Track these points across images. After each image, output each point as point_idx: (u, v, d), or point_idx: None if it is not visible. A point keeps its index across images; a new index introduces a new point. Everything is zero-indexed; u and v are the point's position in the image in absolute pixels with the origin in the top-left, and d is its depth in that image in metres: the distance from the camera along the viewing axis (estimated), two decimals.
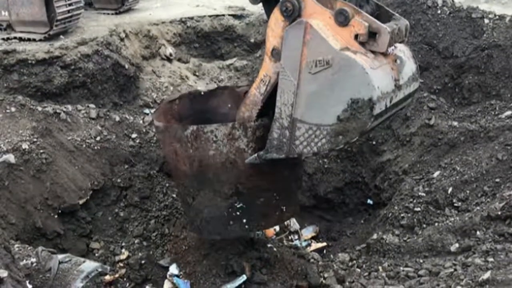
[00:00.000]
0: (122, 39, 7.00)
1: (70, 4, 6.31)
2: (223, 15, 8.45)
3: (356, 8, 3.52)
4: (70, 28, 6.59)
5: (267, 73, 4.09)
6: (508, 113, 5.12)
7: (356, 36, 3.48)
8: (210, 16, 8.36)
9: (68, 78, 5.94)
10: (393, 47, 3.59)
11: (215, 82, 8.00)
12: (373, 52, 3.46)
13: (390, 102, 3.62)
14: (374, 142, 6.09)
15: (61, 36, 6.36)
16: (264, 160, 4.10)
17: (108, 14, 8.11)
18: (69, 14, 6.33)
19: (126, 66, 6.68)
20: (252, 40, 8.46)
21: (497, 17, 6.22)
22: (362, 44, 3.45)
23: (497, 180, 4.43)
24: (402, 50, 3.68)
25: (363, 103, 3.48)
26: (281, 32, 3.82)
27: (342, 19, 3.52)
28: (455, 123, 5.38)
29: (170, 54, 7.72)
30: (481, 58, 5.97)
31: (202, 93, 4.98)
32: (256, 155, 4.16)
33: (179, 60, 7.97)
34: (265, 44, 4.01)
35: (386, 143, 6.00)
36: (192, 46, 8.30)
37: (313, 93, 3.73)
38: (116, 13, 8.17)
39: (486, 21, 6.21)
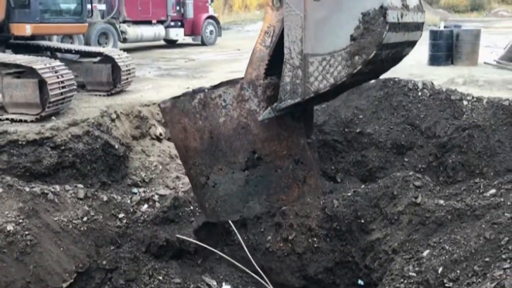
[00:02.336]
0: (113, 120, 7.15)
1: (63, 87, 6.50)
2: None
3: None
4: (62, 109, 6.73)
5: (271, 23, 3.96)
6: (492, 191, 5.19)
7: None
8: None
9: (57, 158, 5.98)
10: None
11: None
12: None
13: (402, 18, 3.50)
14: (362, 221, 6.07)
15: (53, 117, 6.48)
16: (279, 111, 3.88)
17: (100, 95, 8.33)
18: (62, 97, 6.49)
19: (116, 146, 6.77)
20: None
21: (474, 99, 6.50)
22: None
23: (487, 259, 4.40)
24: None
25: (374, 13, 3.38)
26: None
27: None
28: (442, 202, 5.42)
29: (160, 134, 7.86)
30: (463, 138, 6.16)
31: (207, 90, 4.64)
32: (269, 108, 3.92)
33: (168, 139, 8.09)
34: None
35: (374, 221, 5.99)
36: None
37: (321, 20, 3.61)
38: (108, 95, 8.39)
39: (465, 102, 6.47)
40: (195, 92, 4.43)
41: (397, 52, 3.82)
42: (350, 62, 3.51)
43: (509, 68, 8.82)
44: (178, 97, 4.43)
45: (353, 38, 3.46)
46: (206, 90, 4.06)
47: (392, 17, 3.38)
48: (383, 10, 3.32)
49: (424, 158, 6.49)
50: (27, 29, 8.32)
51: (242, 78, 4.08)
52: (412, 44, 3.92)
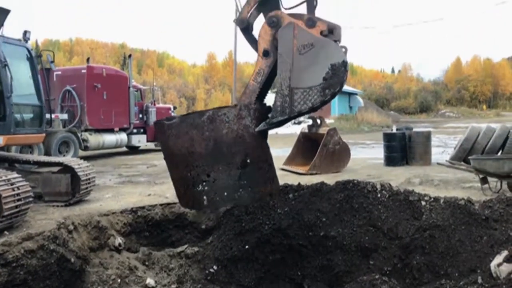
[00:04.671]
0: (70, 232, 6.87)
1: (19, 200, 6.29)
2: (175, 203, 8.59)
3: (317, 16, 5.69)
4: (16, 222, 6.46)
5: (261, 67, 5.84)
6: None
7: (321, 32, 5.61)
8: (161, 204, 8.48)
9: (7, 276, 5.60)
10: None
11: (165, 271, 7.76)
12: None
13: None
14: None
15: (6, 232, 6.18)
16: (271, 125, 5.61)
17: (58, 206, 8.08)
18: (17, 210, 6.25)
19: (72, 260, 6.44)
20: (203, 227, 8.51)
21: (432, 199, 6.66)
22: (325, 36, 5.57)
23: None
24: None
25: (339, 65, 5.45)
26: (269, 37, 5.82)
27: (311, 23, 5.66)
28: None
29: (119, 245, 7.56)
30: (425, 238, 6.21)
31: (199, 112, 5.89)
32: (264, 122, 5.63)
33: (128, 250, 7.78)
34: (258, 48, 5.86)
35: None
36: (142, 235, 8.21)
37: (304, 67, 5.52)
38: (66, 205, 8.15)
39: (423, 203, 6.62)
40: (169, 119, 5.96)
41: (339, 91, 5.63)
42: (323, 94, 5.50)
43: (461, 168, 9.22)
44: (185, 115, 5.95)
45: (324, 79, 5.48)
46: (213, 110, 5.62)
47: (348, 67, 5.53)
48: (344, 63, 5.46)
49: (389, 260, 6.46)
50: (0, 141, 8.32)
51: (234, 105, 5.79)
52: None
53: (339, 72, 5.46)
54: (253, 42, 6.35)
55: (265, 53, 5.88)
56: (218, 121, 5.54)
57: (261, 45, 5.91)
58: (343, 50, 5.59)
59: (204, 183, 5.61)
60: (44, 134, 9.71)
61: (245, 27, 6.27)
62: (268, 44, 5.86)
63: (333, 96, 5.55)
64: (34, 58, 9.32)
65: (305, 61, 5.53)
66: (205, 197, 5.65)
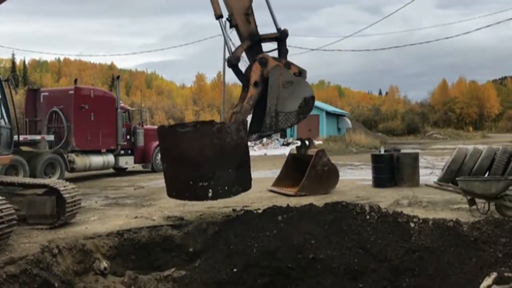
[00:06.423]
0: (54, 255, 6.72)
1: (2, 223, 6.15)
2: (162, 225, 8.48)
3: (292, 62, 8.42)
4: None
5: (252, 94, 8.10)
6: None
7: (294, 73, 8.29)
8: (148, 227, 8.34)
9: None
10: None
11: None
12: None
13: None
14: None
15: None
16: (262, 136, 8.66)
17: (43, 229, 7.92)
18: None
19: (56, 285, 6.29)
20: (190, 250, 8.37)
21: (421, 220, 6.65)
22: (297, 76, 8.36)
23: None
24: None
25: (309, 98, 8.30)
26: (259, 72, 8.11)
27: (288, 66, 8.23)
28: None
29: (105, 268, 7.41)
30: (414, 260, 6.18)
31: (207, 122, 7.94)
32: (257, 134, 8.35)
33: (114, 274, 7.62)
34: (250, 80, 8.14)
35: None
36: (129, 258, 8.05)
37: (286, 96, 8.10)
38: (51, 228, 7.99)
39: (412, 224, 6.61)
40: (186, 125, 7.65)
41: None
42: (297, 117, 8.31)
43: (449, 189, 9.24)
44: (195, 124, 7.45)
45: (299, 107, 8.26)
46: (221, 123, 7.57)
47: (314, 101, 8.49)
48: (313, 97, 8.36)
49: (378, 282, 6.41)
50: None
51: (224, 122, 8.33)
52: None
53: (309, 103, 8.22)
54: (240, 74, 8.35)
55: (255, 84, 8.03)
56: (224, 132, 7.08)
57: (253, 78, 8.06)
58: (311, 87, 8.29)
59: (210, 179, 7.14)
60: (11, 156, 9.87)
61: (236, 63, 8.12)
62: (258, 78, 8.03)
63: (304, 118, 8.45)
64: (1, 81, 9.38)
65: (287, 93, 8.02)
66: (210, 190, 7.20)
